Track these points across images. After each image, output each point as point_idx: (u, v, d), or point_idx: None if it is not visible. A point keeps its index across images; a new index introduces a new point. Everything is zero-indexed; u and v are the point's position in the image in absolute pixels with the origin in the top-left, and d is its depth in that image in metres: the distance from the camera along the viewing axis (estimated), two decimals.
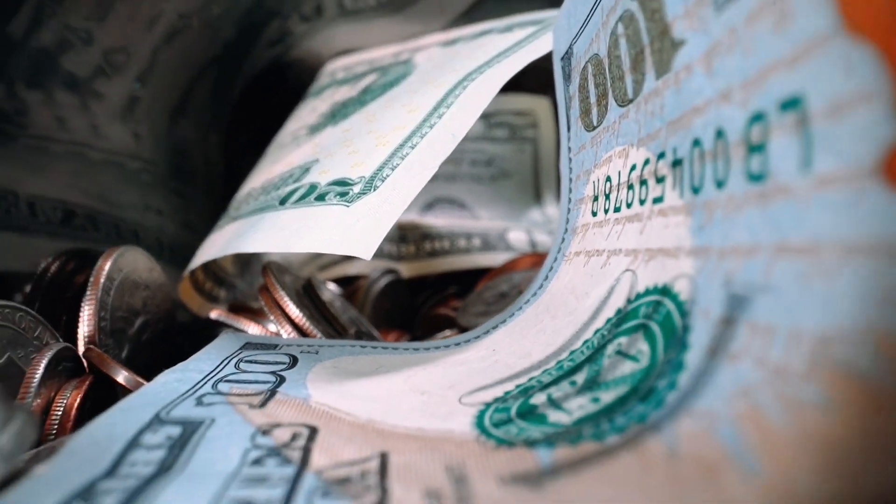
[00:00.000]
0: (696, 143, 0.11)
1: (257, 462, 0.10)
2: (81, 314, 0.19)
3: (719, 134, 0.10)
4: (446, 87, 0.20)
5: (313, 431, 0.11)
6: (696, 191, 0.11)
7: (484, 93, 0.18)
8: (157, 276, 0.23)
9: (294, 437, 0.11)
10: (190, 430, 0.11)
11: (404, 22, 0.32)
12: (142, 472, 0.09)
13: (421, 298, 0.31)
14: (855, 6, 0.07)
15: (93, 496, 0.08)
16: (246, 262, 0.31)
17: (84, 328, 0.19)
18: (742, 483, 0.07)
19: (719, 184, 0.10)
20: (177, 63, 0.33)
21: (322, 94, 0.31)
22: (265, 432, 0.11)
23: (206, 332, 0.24)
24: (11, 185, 0.26)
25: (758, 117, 0.09)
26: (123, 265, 0.21)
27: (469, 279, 0.30)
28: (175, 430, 0.11)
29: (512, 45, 0.22)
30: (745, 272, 0.09)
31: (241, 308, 0.24)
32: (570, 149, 0.19)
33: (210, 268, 0.28)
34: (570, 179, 0.19)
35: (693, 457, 0.07)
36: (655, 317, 0.11)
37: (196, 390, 0.13)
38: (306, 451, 0.10)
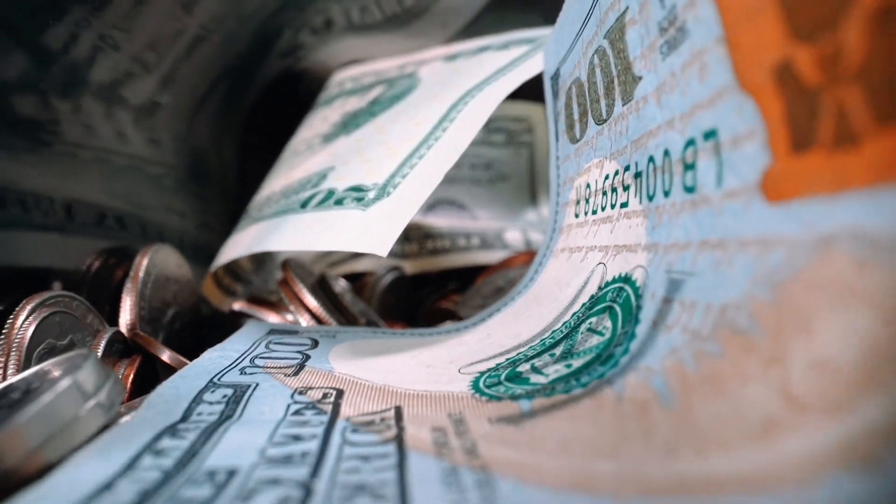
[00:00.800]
0: (651, 159, 0.13)
1: (298, 413, 0.12)
2: (123, 304, 0.22)
3: (666, 153, 0.13)
4: (449, 103, 0.22)
5: (340, 392, 0.13)
6: (650, 198, 0.13)
7: (483, 109, 0.21)
8: (185, 271, 0.26)
9: (325, 395, 0.13)
10: (240, 391, 0.13)
11: (408, 36, 0.35)
12: (207, 419, 0.12)
13: (423, 293, 0.34)
14: (743, 71, 0.09)
15: (175, 433, 0.11)
16: (260, 260, 0.34)
17: (126, 316, 0.22)
18: (661, 412, 0.09)
19: (666, 193, 0.13)
20: (195, 73, 0.35)
21: (332, 104, 0.33)
22: (301, 392, 0.13)
23: (228, 323, 0.27)
24: (48, 190, 0.28)
25: (690, 142, 0.11)
26: (157, 261, 0.24)
27: (468, 275, 0.33)
28: (228, 391, 0.13)
29: (508, 63, 0.25)
30: (680, 262, 0.11)
31: (260, 300, 0.27)
32: (557, 157, 0.22)
33: (229, 265, 0.30)
34: (558, 185, 0.22)
35: (632, 399, 0.10)
36: (618, 300, 0.14)
37: (237, 364, 0.16)
38: (336, 406, 0.13)
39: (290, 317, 0.26)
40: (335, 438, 0.10)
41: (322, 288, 0.26)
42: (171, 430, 0.11)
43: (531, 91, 0.26)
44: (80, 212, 0.29)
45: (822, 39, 0.07)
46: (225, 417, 0.12)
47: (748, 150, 0.09)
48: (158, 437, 0.11)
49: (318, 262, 0.34)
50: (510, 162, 0.42)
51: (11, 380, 0.13)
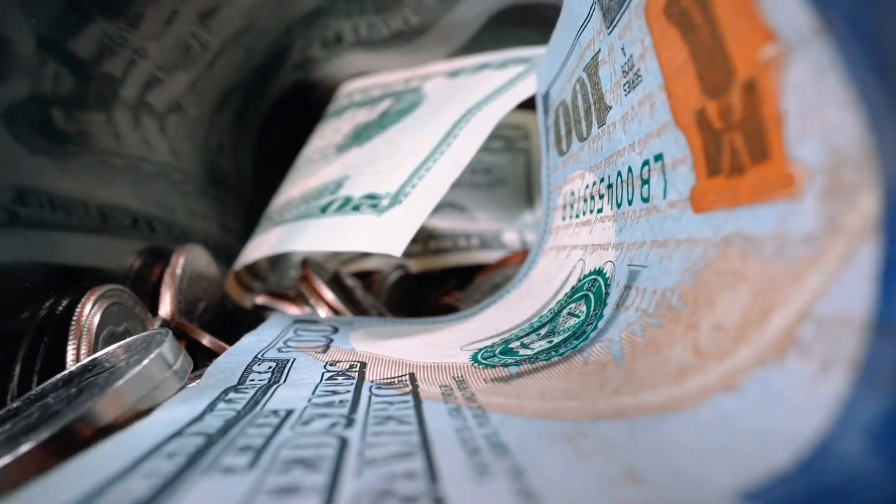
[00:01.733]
0: (619, 174, 0.17)
1: (331, 378, 0.15)
2: (163, 297, 0.25)
3: (629, 170, 0.16)
4: (452, 120, 0.26)
5: (363, 364, 0.17)
6: (619, 206, 0.17)
7: (483, 127, 0.24)
8: (213, 269, 0.29)
9: (351, 366, 0.16)
10: (281, 363, 0.17)
11: (412, 52, 0.38)
12: (259, 383, 0.15)
13: (427, 290, 0.37)
14: (677, 112, 0.13)
15: (237, 391, 0.14)
16: (276, 260, 0.37)
17: (166, 308, 0.25)
18: (615, 369, 0.12)
19: (629, 202, 0.16)
20: (215, 85, 0.39)
21: (343, 115, 0.37)
22: (331, 364, 0.17)
23: (250, 316, 0.30)
24: (82, 195, 0.31)
25: (646, 163, 0.15)
26: (191, 260, 0.27)
27: (468, 273, 0.36)
28: (272, 363, 0.17)
29: (505, 82, 0.28)
30: (637, 257, 0.15)
31: (280, 295, 0.30)
32: (548, 167, 0.25)
33: (249, 264, 0.33)
34: (549, 191, 0.25)
35: (595, 362, 0.13)
36: (592, 289, 0.17)
37: (273, 345, 0.19)
38: (361, 373, 0.16)
39: (307, 309, 0.29)
40: (364, 392, 0.14)
41: (336, 283, 0.29)
42: (234, 389, 0.14)
43: (528, 100, 0.29)
44: (113, 216, 0.32)
45: (720, 97, 0.11)
46: (273, 382, 0.15)
47: (682, 171, 0.13)
48: (225, 392, 0.14)
49: (330, 260, 0.37)
50: (508, 167, 0.45)
51: (97, 354, 0.17)
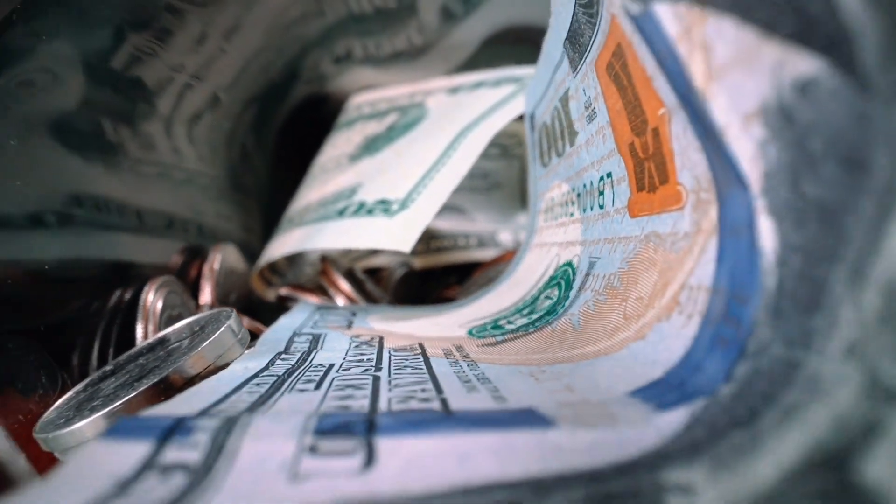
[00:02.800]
0: (584, 186, 0.21)
1: (357, 346, 0.20)
2: (203, 288, 0.30)
3: (591, 183, 0.20)
4: (452, 135, 0.30)
5: (381, 338, 0.21)
6: (584, 211, 0.21)
7: (479, 141, 0.29)
8: (242, 265, 0.34)
9: (371, 339, 0.21)
10: (316, 336, 0.21)
11: (416, 68, 0.43)
12: (302, 349, 0.20)
13: (429, 285, 0.42)
14: (618, 143, 0.17)
15: (287, 352, 0.19)
16: (293, 257, 0.42)
17: (206, 297, 0.29)
18: (572, 333, 0.17)
19: (591, 208, 0.20)
20: (236, 98, 0.43)
21: (353, 126, 0.41)
22: (355, 337, 0.21)
23: (273, 306, 0.35)
24: (121, 199, 0.36)
25: (601, 178, 0.19)
26: (225, 257, 0.32)
27: (466, 270, 0.41)
28: (308, 337, 0.21)
29: (499, 101, 0.33)
30: (595, 251, 0.19)
31: (301, 287, 0.34)
32: (534, 176, 0.30)
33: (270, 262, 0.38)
34: (535, 197, 0.30)
35: (560, 329, 0.18)
36: (563, 277, 0.21)
37: (306, 324, 0.24)
38: (380, 343, 0.20)
39: (325, 299, 0.34)
40: (385, 354, 0.18)
41: (350, 277, 0.34)
42: (283, 352, 0.19)
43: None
44: (149, 218, 0.37)
45: (642, 136, 0.15)
46: (311, 349, 0.20)
47: (623, 186, 0.17)
48: (277, 355, 0.19)
49: (343, 258, 0.42)
50: (504, 172, 0.50)
51: (165, 331, 0.21)
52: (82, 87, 0.32)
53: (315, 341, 0.21)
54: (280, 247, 0.33)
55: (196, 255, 0.33)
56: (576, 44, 0.19)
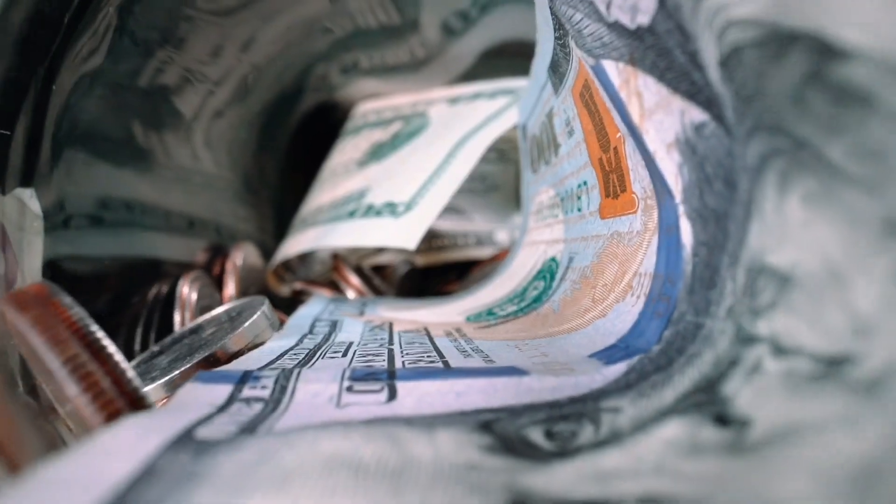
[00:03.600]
0: (566, 192, 0.25)
1: (371, 330, 0.24)
2: (227, 282, 0.33)
3: (571, 190, 0.24)
4: (452, 144, 0.34)
5: (391, 323, 0.25)
6: (566, 213, 0.25)
7: (476, 150, 0.33)
8: (260, 262, 0.38)
9: (382, 323, 0.25)
10: (334, 322, 0.25)
11: (418, 80, 0.47)
12: (323, 332, 0.23)
13: (431, 281, 0.45)
14: (591, 157, 0.21)
15: (312, 333, 0.23)
16: (304, 256, 0.46)
17: (230, 290, 0.33)
18: (552, 315, 0.21)
19: (571, 211, 0.24)
20: (249, 106, 0.47)
21: (360, 133, 0.45)
22: (368, 322, 0.25)
23: (288, 301, 0.39)
24: (149, 201, 0.40)
25: (579, 185, 0.23)
26: (246, 255, 0.35)
27: (465, 267, 0.44)
28: (328, 322, 0.25)
29: (494, 112, 0.36)
30: (574, 248, 0.23)
31: (314, 282, 0.38)
32: (527, 182, 0.34)
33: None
34: (527, 200, 0.33)
35: (542, 313, 0.22)
36: (549, 271, 0.25)
37: (324, 312, 0.27)
38: (391, 327, 0.24)
39: (336, 293, 0.37)
40: (395, 336, 0.22)
41: (359, 273, 0.37)
42: (308, 334, 0.23)
43: None
44: (174, 218, 0.40)
45: (607, 153, 0.19)
46: (331, 331, 0.24)
47: (595, 193, 0.21)
48: (304, 335, 0.22)
49: (351, 256, 0.46)
50: (500, 175, 0.53)
51: (202, 318, 0.25)
52: (115, 97, 0.36)
53: (334, 325, 0.24)
54: (295, 245, 0.37)
55: (218, 253, 0.36)
56: (556, 72, 0.22)
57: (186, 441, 0.09)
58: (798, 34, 0.08)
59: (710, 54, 0.10)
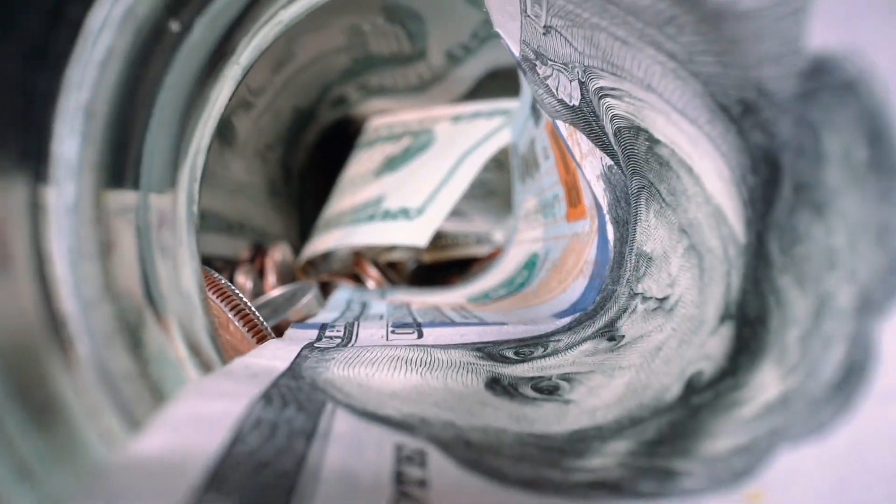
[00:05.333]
0: (545, 201, 0.33)
1: (395, 308, 0.32)
2: (267, 274, 0.41)
3: (548, 200, 0.32)
4: (455, 157, 0.42)
5: (409, 304, 0.33)
6: (545, 218, 0.33)
7: (476, 164, 0.41)
8: (291, 258, 0.46)
9: (401, 304, 0.33)
10: (363, 302, 0.33)
11: (425, 98, 0.55)
12: (356, 309, 0.31)
13: (436, 276, 0.53)
14: (560, 175, 0.29)
15: (347, 311, 0.31)
16: (326, 253, 0.54)
17: (271, 280, 0.41)
18: (532, 295, 0.29)
19: (548, 217, 0.32)
20: (275, 120, 0.55)
21: (374, 146, 0.53)
22: (390, 303, 0.33)
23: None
24: (206, 206, 0.48)
25: (553, 197, 0.31)
26: (282, 251, 0.43)
27: (466, 263, 0.52)
28: (359, 302, 0.33)
29: (491, 131, 0.44)
30: (549, 245, 0.31)
31: (337, 274, 0.46)
32: (517, 191, 0.42)
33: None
34: (517, 206, 0.42)
35: (526, 293, 0.30)
36: (531, 263, 0.33)
37: (353, 296, 0.35)
38: (409, 306, 0.32)
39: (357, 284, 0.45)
40: (414, 310, 0.30)
41: (376, 266, 0.45)
42: (346, 310, 0.31)
43: None
44: (211, 219, 0.48)
45: (568, 174, 0.27)
46: (363, 308, 0.32)
47: (563, 203, 0.29)
48: (344, 310, 0.30)
49: (367, 253, 0.54)
50: (498, 182, 0.61)
51: (265, 297, 0.33)
52: None
53: (364, 304, 0.33)
54: (322, 243, 0.45)
55: (258, 251, 0.44)
56: (535, 110, 0.31)
57: (311, 348, 0.18)
58: (640, 127, 0.16)
59: (608, 128, 0.18)
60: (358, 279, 0.45)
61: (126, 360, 0.11)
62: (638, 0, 0.12)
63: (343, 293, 0.37)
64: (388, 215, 0.40)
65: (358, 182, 0.49)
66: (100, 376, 0.10)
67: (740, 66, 0.11)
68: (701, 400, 0.12)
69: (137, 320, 0.12)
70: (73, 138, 0.09)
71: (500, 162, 0.63)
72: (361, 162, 0.52)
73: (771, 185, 0.11)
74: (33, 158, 0.09)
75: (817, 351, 0.10)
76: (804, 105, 0.10)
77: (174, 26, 0.12)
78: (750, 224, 0.12)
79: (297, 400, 0.11)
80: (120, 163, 0.11)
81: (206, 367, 0.14)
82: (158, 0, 0.11)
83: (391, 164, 0.48)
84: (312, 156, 0.61)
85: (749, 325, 0.12)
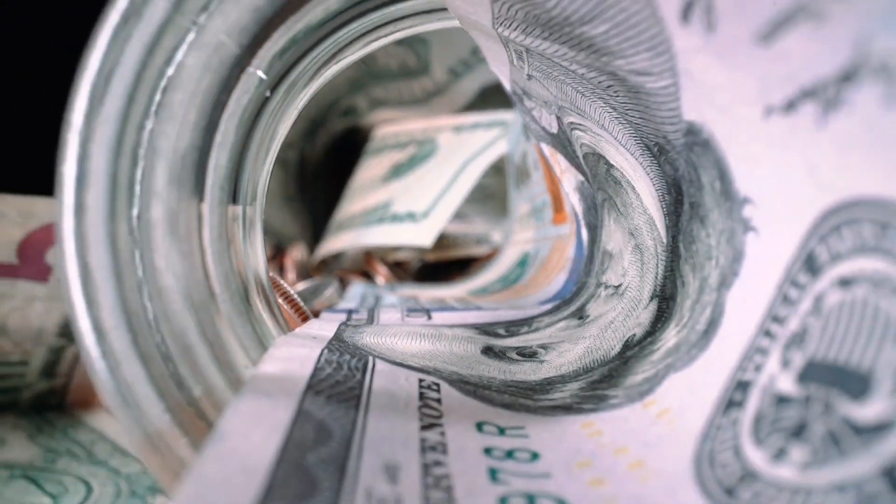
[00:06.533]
0: (536, 206, 0.38)
1: (405, 299, 0.37)
2: (287, 271, 0.47)
3: (538, 205, 0.38)
4: (457, 166, 0.48)
5: (417, 297, 0.38)
6: (536, 221, 0.39)
7: (477, 171, 0.46)
8: (306, 257, 0.51)
9: (410, 296, 0.38)
10: (377, 296, 0.39)
11: (428, 109, 0.60)
12: (373, 301, 0.37)
13: (439, 274, 0.59)
14: (547, 184, 0.34)
15: (363, 303, 0.36)
16: (338, 254, 0.59)
17: (291, 277, 0.47)
18: (523, 287, 0.34)
19: (538, 220, 0.38)
20: (290, 130, 0.61)
21: (382, 154, 0.59)
22: (400, 296, 0.38)
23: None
24: None
25: (542, 203, 0.37)
26: (300, 250, 0.49)
27: (467, 262, 0.58)
28: (373, 295, 0.38)
29: (489, 141, 0.50)
30: (539, 245, 0.37)
31: (349, 272, 0.52)
32: (512, 197, 0.47)
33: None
34: (512, 210, 0.47)
35: (518, 287, 0.35)
36: (524, 261, 0.39)
37: (367, 290, 0.41)
38: (417, 299, 0.38)
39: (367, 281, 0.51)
40: (422, 301, 0.35)
41: (385, 264, 0.51)
42: (361, 302, 0.36)
43: None
44: None
45: (553, 185, 0.33)
46: (377, 300, 0.37)
47: (550, 209, 0.35)
48: (360, 302, 0.36)
49: (376, 253, 0.59)
50: (496, 186, 0.67)
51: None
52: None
53: (377, 297, 0.38)
54: (336, 243, 0.51)
55: (278, 250, 0.50)
56: (525, 128, 0.36)
57: (347, 324, 0.23)
58: (600, 154, 0.22)
59: (578, 153, 0.24)
60: (368, 276, 0.51)
61: (243, 315, 0.16)
62: (587, 73, 0.17)
63: (357, 288, 0.42)
64: (395, 218, 0.46)
65: (367, 187, 0.55)
66: (231, 325, 0.15)
67: (654, 122, 0.16)
68: (631, 353, 0.18)
69: (246, 290, 0.17)
70: (215, 173, 0.15)
71: (498, 168, 0.68)
72: (370, 168, 0.58)
73: (678, 202, 0.17)
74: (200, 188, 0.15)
75: (697, 313, 0.15)
76: (688, 152, 0.15)
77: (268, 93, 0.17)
78: (668, 229, 0.18)
79: (348, 351, 0.17)
80: (234, 187, 0.17)
81: (280, 330, 0.19)
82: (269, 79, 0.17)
83: (398, 171, 0.53)
84: (324, 162, 0.66)
85: (666, 301, 0.18)
